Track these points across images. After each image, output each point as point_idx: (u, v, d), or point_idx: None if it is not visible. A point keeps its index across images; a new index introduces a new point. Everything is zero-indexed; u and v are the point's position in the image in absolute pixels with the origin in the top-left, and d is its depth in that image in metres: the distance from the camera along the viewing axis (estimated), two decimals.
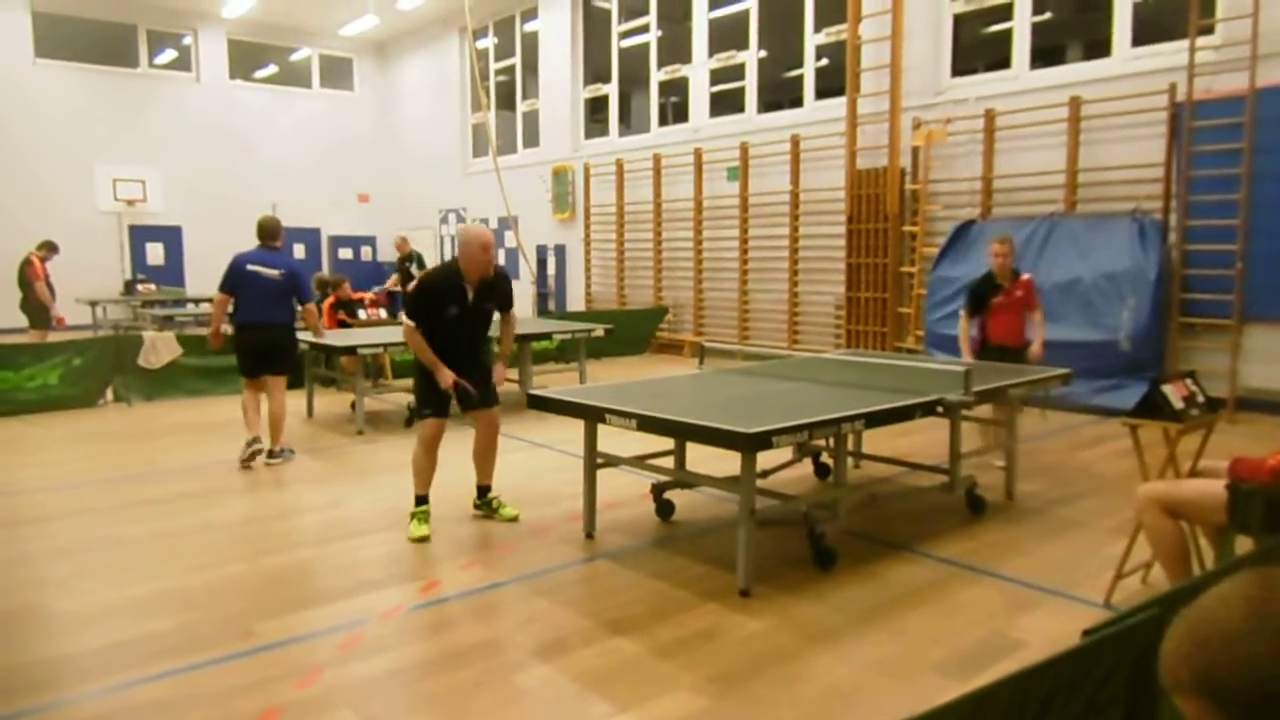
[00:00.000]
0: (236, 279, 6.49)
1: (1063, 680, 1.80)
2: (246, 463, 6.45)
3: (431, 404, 4.86)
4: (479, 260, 4.71)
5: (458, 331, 4.79)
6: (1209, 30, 8.10)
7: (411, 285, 4.88)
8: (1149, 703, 1.99)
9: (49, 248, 11.60)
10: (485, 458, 5.17)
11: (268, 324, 6.50)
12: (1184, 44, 8.11)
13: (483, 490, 5.22)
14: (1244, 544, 3.45)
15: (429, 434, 4.88)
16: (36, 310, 11.25)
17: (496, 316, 5.09)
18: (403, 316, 4.69)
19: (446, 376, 4.72)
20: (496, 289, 4.90)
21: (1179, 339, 8.29)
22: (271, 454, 6.59)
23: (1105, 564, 4.05)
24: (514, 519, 5.07)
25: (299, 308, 6.74)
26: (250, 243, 6.71)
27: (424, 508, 4.91)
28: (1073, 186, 9.00)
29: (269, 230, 6.70)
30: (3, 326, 14.45)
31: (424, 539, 4.75)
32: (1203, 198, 8.10)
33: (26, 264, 11.27)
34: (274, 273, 6.51)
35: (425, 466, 4.93)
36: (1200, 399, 4.00)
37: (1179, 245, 8.26)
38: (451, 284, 4.75)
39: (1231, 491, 3.45)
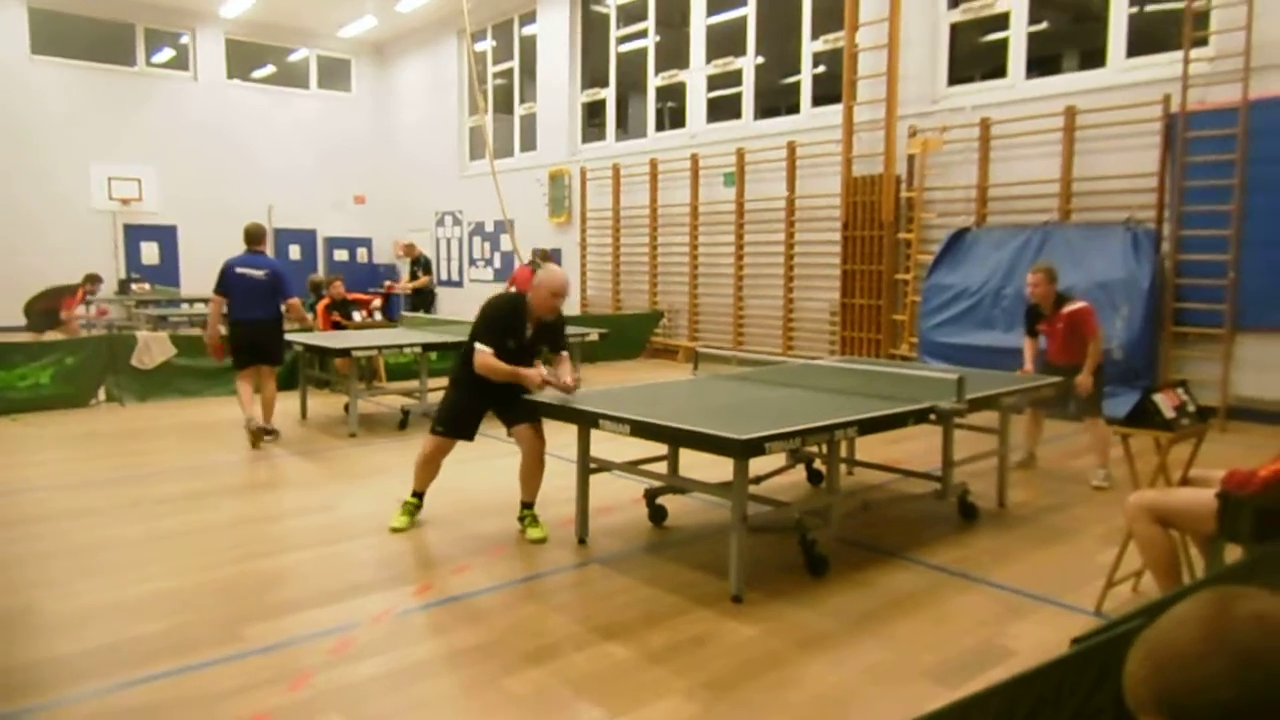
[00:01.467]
0: (228, 282, 7.20)
1: (1051, 688, 1.81)
2: (256, 443, 7.11)
3: (445, 422, 4.89)
4: (548, 305, 4.72)
5: (511, 361, 4.70)
6: (1203, 42, 8.15)
7: (478, 311, 4.84)
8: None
9: (95, 280, 11.94)
10: (529, 474, 4.95)
11: (256, 320, 7.24)
12: (1178, 55, 8.16)
13: (524, 505, 5.02)
14: (1234, 553, 3.47)
15: (430, 450, 4.95)
16: (40, 316, 11.37)
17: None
18: (477, 345, 4.64)
19: (535, 377, 4.67)
20: (552, 331, 4.90)
21: (1171, 348, 8.33)
22: (266, 431, 7.26)
23: (1096, 572, 4.06)
24: (539, 540, 4.78)
25: (284, 304, 7.38)
26: (242, 241, 7.40)
27: (414, 501, 5.04)
28: (1067, 196, 9.04)
29: (254, 236, 7.42)
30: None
31: (398, 530, 4.91)
32: (1196, 208, 8.14)
33: (69, 291, 11.62)
34: (259, 273, 7.21)
35: (425, 473, 5.04)
36: (1191, 408, 4.02)
37: (1172, 255, 8.30)
38: (515, 317, 4.75)
39: (1222, 501, 3.46)
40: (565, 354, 5.02)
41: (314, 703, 3.07)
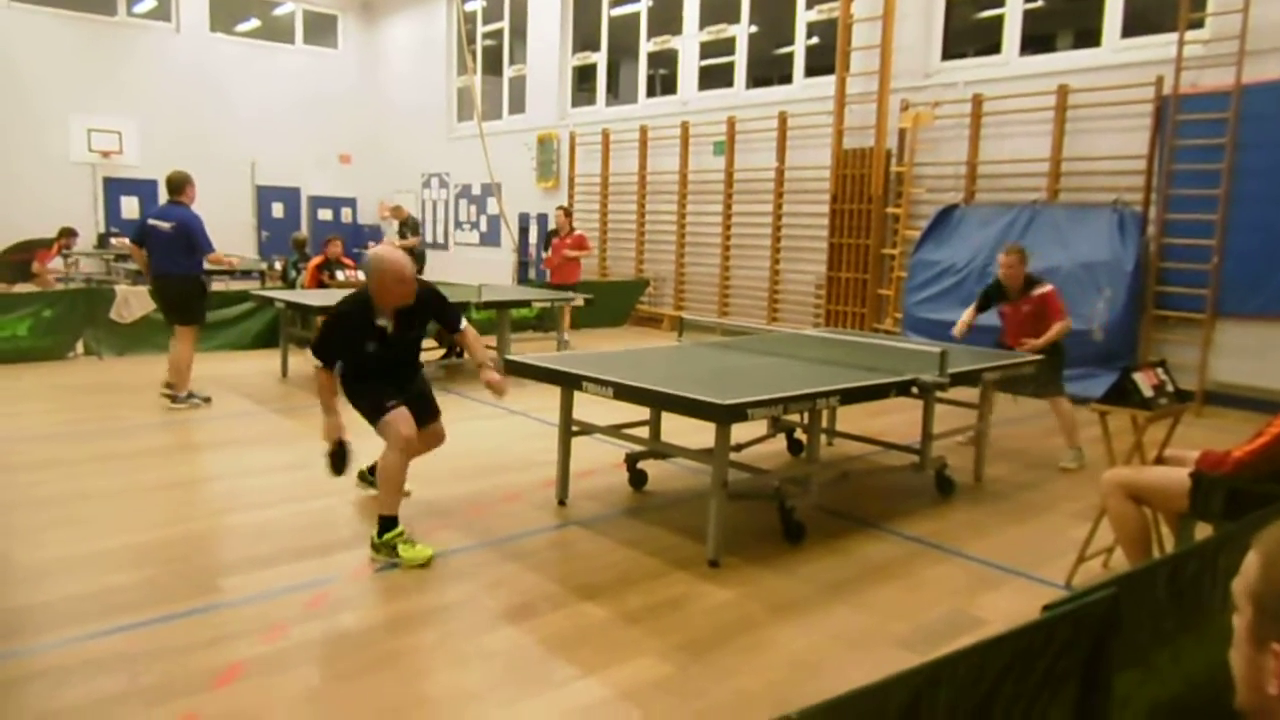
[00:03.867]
0: (142, 233, 6.98)
1: (1020, 653, 1.83)
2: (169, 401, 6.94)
3: (390, 394, 4.09)
4: (394, 294, 3.98)
5: (385, 362, 4.14)
6: (1198, 24, 8.12)
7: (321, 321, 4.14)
8: (1104, 679, 2.03)
9: (70, 235, 11.70)
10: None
11: (165, 275, 6.91)
12: (1173, 37, 8.13)
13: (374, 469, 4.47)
14: (1205, 531, 3.51)
15: (405, 427, 4.01)
16: (12, 268, 11.20)
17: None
18: (314, 357, 3.99)
19: (333, 431, 4.04)
20: (422, 313, 4.19)
21: (1152, 331, 8.39)
22: (174, 398, 6.95)
23: (1068, 547, 4.11)
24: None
25: (205, 259, 7.04)
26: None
27: (400, 529, 4.00)
28: (1056, 175, 9.04)
29: (173, 184, 7.04)
30: None
31: (433, 558, 3.92)
32: (1183, 192, 8.16)
33: (44, 244, 11.40)
34: (166, 226, 6.83)
35: (403, 473, 4.10)
36: (1170, 388, 4.05)
37: (1157, 238, 8.33)
38: (362, 320, 4.01)
39: (1195, 480, 3.50)
40: (467, 328, 4.35)
41: (288, 655, 3.07)
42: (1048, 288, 6.01)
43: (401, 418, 4.02)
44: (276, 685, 2.88)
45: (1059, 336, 5.89)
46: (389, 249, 4.10)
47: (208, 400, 7.05)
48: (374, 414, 4.05)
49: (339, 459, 4.07)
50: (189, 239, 6.80)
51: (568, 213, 11.22)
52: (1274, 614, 0.96)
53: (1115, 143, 8.63)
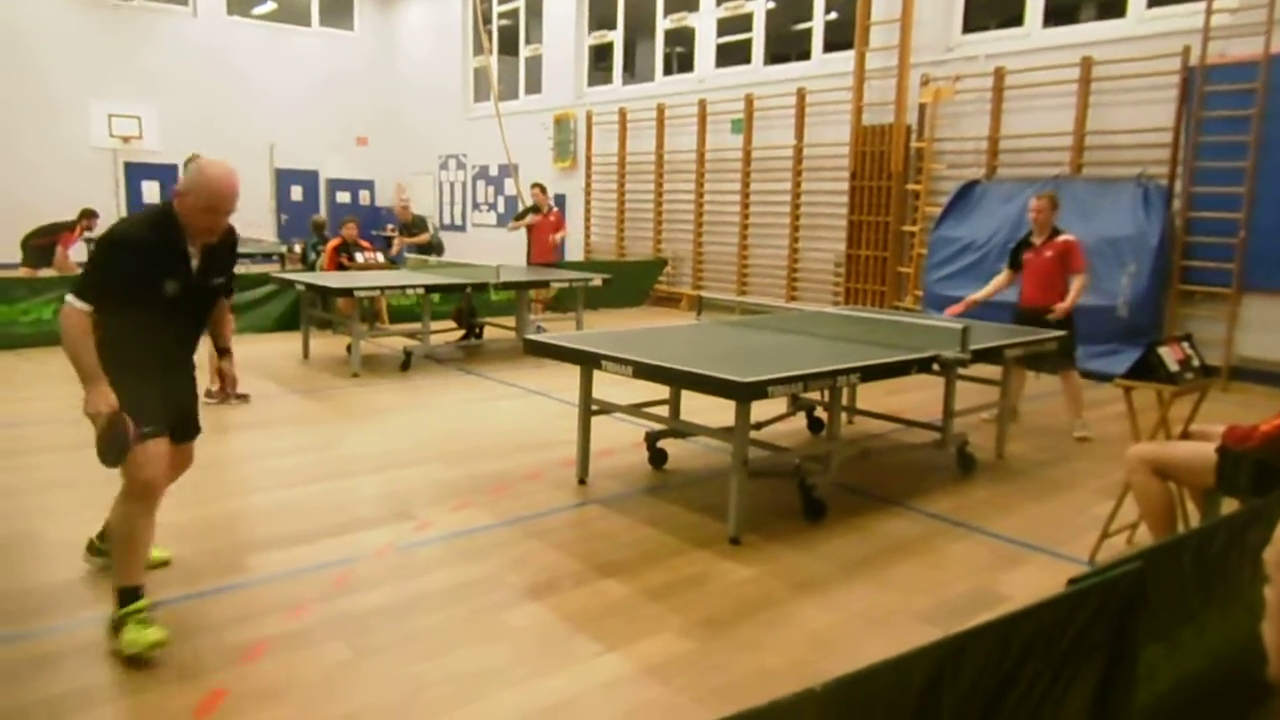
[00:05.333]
0: None
1: (1045, 627, 1.82)
2: None
3: (154, 403, 3.02)
4: (203, 223, 2.98)
5: (170, 321, 3.07)
6: None
7: (95, 240, 3.21)
8: (1130, 653, 2.02)
9: (91, 216, 11.73)
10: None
11: None
12: (1200, 6, 7.97)
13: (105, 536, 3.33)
14: (1231, 506, 3.48)
15: (154, 470, 3.01)
16: (36, 252, 11.28)
17: None
18: (68, 298, 2.84)
19: (102, 400, 2.85)
20: (223, 259, 3.20)
21: (1177, 306, 8.29)
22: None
23: (1092, 524, 4.09)
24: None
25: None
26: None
27: (143, 602, 2.97)
28: (1080, 149, 8.91)
29: None
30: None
31: (160, 644, 2.87)
32: (1210, 164, 8.02)
33: (67, 227, 11.42)
34: None
35: (147, 529, 3.07)
36: (1195, 363, 4.01)
37: (1183, 212, 8.21)
38: (168, 246, 2.97)
39: (1221, 455, 3.47)
40: (226, 302, 3.41)
41: (314, 631, 3.11)
42: (1072, 237, 6.06)
43: (156, 456, 3.00)
44: (303, 661, 2.92)
45: (1080, 294, 5.91)
46: (219, 166, 2.99)
47: (245, 398, 6.58)
48: (120, 436, 2.85)
49: (118, 440, 2.87)
50: None
51: (544, 189, 11.13)
52: None
53: (1140, 115, 8.49)
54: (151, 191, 17.26)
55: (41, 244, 11.38)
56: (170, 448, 3.14)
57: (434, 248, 12.03)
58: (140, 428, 2.92)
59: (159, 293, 2.96)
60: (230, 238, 3.21)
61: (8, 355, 8.09)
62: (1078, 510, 4.58)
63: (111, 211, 16.36)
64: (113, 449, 2.89)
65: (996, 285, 6.37)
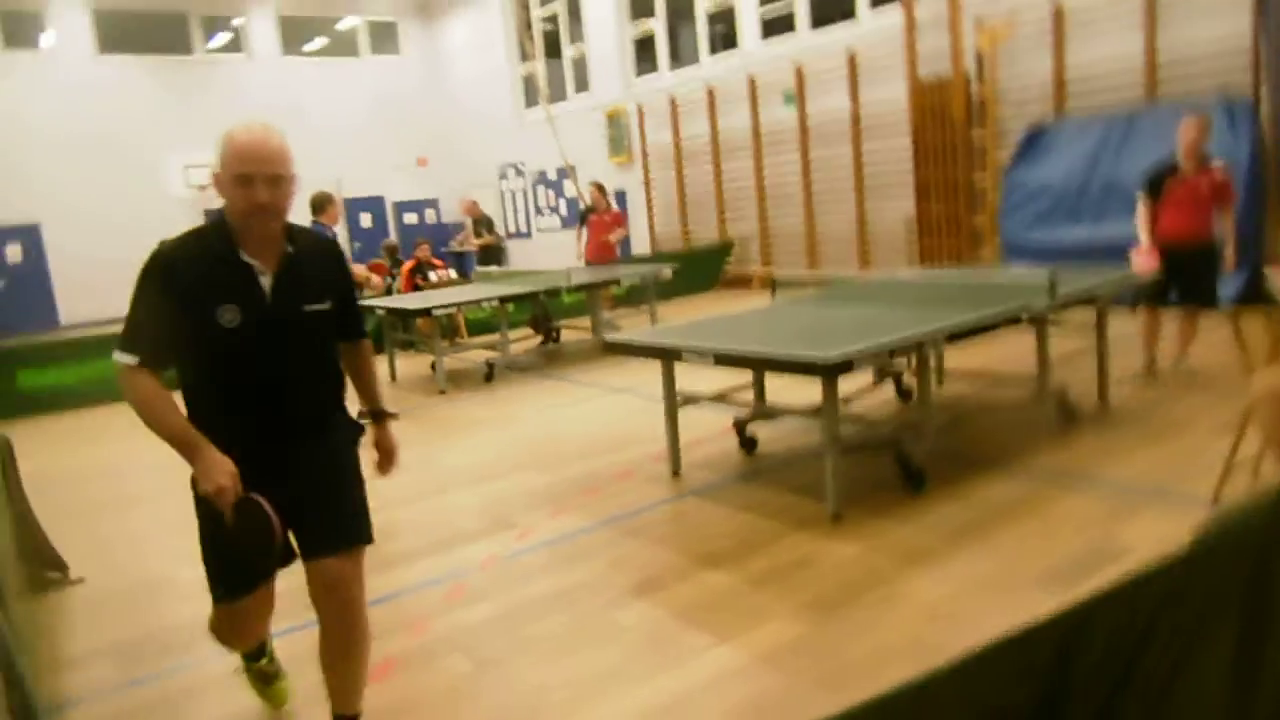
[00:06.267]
0: None
1: (1175, 583, 1.75)
2: None
3: (223, 575, 2.40)
4: (251, 190, 2.21)
5: (246, 368, 2.25)
6: None
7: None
8: (1272, 601, 1.92)
9: None
10: (337, 662, 2.47)
11: None
12: None
13: None
14: None
15: (236, 639, 2.61)
16: None
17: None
18: (115, 354, 2.25)
19: (215, 470, 2.18)
20: (319, 275, 2.37)
21: (1278, 226, 7.83)
22: None
23: (1212, 462, 3.89)
24: None
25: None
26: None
27: (260, 662, 2.82)
28: (1153, 74, 8.50)
29: (316, 204, 7.28)
30: (94, 318, 15.13)
31: (279, 699, 2.84)
32: None
33: None
34: None
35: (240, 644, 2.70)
36: None
37: (1272, 126, 7.74)
38: (215, 257, 2.25)
39: None
40: (364, 345, 2.62)
41: (436, 646, 3.20)
42: (1223, 165, 5.59)
43: (237, 620, 2.44)
44: (428, 676, 3.00)
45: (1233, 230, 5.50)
46: (256, 125, 2.33)
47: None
48: (255, 528, 2.21)
49: (255, 534, 2.20)
50: None
51: (602, 189, 11.05)
52: None
53: (1213, 29, 8.04)
54: None
55: None
56: (310, 564, 2.31)
57: (500, 251, 12.29)
58: (214, 589, 2.29)
59: (215, 326, 2.17)
60: (323, 247, 2.40)
61: (115, 408, 8.52)
62: (1194, 451, 4.38)
63: None
64: (252, 544, 2.19)
65: (1147, 218, 5.65)
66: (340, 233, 16.67)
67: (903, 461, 4.25)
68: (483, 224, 12.88)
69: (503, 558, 3.97)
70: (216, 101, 17.91)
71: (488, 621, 3.37)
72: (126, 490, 5.74)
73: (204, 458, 2.20)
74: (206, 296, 2.20)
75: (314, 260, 2.37)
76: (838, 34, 11.88)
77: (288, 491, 2.27)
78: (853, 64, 11.25)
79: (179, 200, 16.86)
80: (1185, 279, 5.48)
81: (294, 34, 19.04)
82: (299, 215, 7.16)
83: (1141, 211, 5.65)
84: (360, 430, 2.52)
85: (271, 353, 2.28)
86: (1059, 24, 9.11)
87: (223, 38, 18.52)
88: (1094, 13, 8.83)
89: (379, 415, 2.68)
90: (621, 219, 11.32)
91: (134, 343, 2.22)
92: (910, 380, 5.45)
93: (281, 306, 2.28)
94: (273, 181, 2.23)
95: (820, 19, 12.33)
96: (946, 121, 10.14)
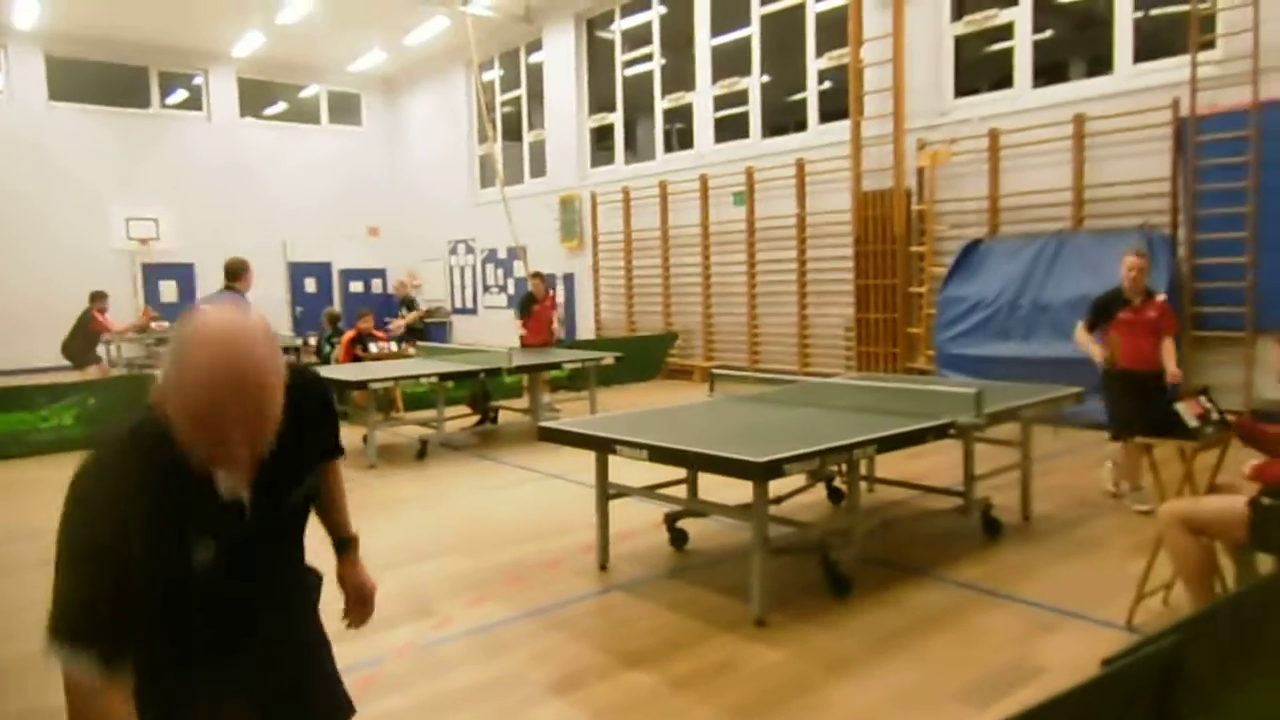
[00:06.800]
0: None
1: (1082, 711, 1.78)
2: None
3: None
4: (221, 431, 1.35)
5: (227, 604, 1.62)
6: (1210, 45, 8.12)
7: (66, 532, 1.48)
8: None
9: (101, 297, 12.07)
10: None
11: None
12: (1186, 59, 8.13)
13: None
14: (1266, 562, 3.41)
15: None
16: (82, 352, 11.66)
17: None
18: (56, 649, 1.41)
19: None
20: (305, 437, 1.66)
21: (1192, 353, 8.24)
22: None
23: (1126, 584, 4.00)
24: None
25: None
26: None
27: None
28: (1079, 203, 9.00)
29: (231, 271, 7.13)
30: (18, 367, 14.58)
31: None
32: (1210, 211, 8.08)
33: (90, 319, 11.80)
34: None
35: None
36: (1215, 415, 3.97)
37: (1188, 259, 8.23)
38: (169, 489, 1.44)
39: (1253, 508, 3.41)
40: (337, 463, 2.08)
41: None
42: (1164, 297, 5.80)
43: None
44: None
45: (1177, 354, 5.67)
46: (220, 309, 1.42)
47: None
48: None
49: None
50: None
51: (541, 276, 11.18)
52: None
53: (1137, 167, 8.58)
54: (168, 290, 17.61)
55: (84, 341, 11.77)
56: None
57: (421, 329, 12.43)
58: None
59: (184, 569, 1.49)
60: (308, 390, 1.70)
61: (29, 463, 8.15)
62: (1110, 570, 4.49)
63: (131, 311, 16.72)
64: None
65: (1087, 338, 5.88)
66: (282, 296, 16.41)
67: (829, 566, 4.27)
68: (404, 303, 13.00)
69: (420, 646, 3.85)
70: (169, 157, 17.82)
71: (400, 713, 3.24)
72: (14, 558, 5.45)
73: None
74: (170, 540, 1.46)
75: (293, 427, 1.52)
76: (789, 142, 12.37)
77: (259, 699, 1.70)
78: (801, 171, 11.69)
79: (116, 252, 16.55)
80: (1149, 407, 5.31)
81: (254, 97, 19.13)
82: (262, 277, 6.80)
83: (1082, 333, 5.85)
84: (319, 581, 2.00)
85: (256, 570, 1.65)
86: (994, 151, 9.64)
87: (180, 95, 18.51)
88: (1028, 144, 9.37)
89: (347, 544, 2.09)
90: (555, 305, 11.42)
91: (89, 630, 1.37)
92: (843, 483, 5.52)
93: (267, 507, 1.60)
94: (247, 415, 1.37)
95: (774, 127, 12.85)
96: (888, 233, 10.55)
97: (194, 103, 18.57)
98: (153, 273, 17.50)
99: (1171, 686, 1.96)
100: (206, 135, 18.38)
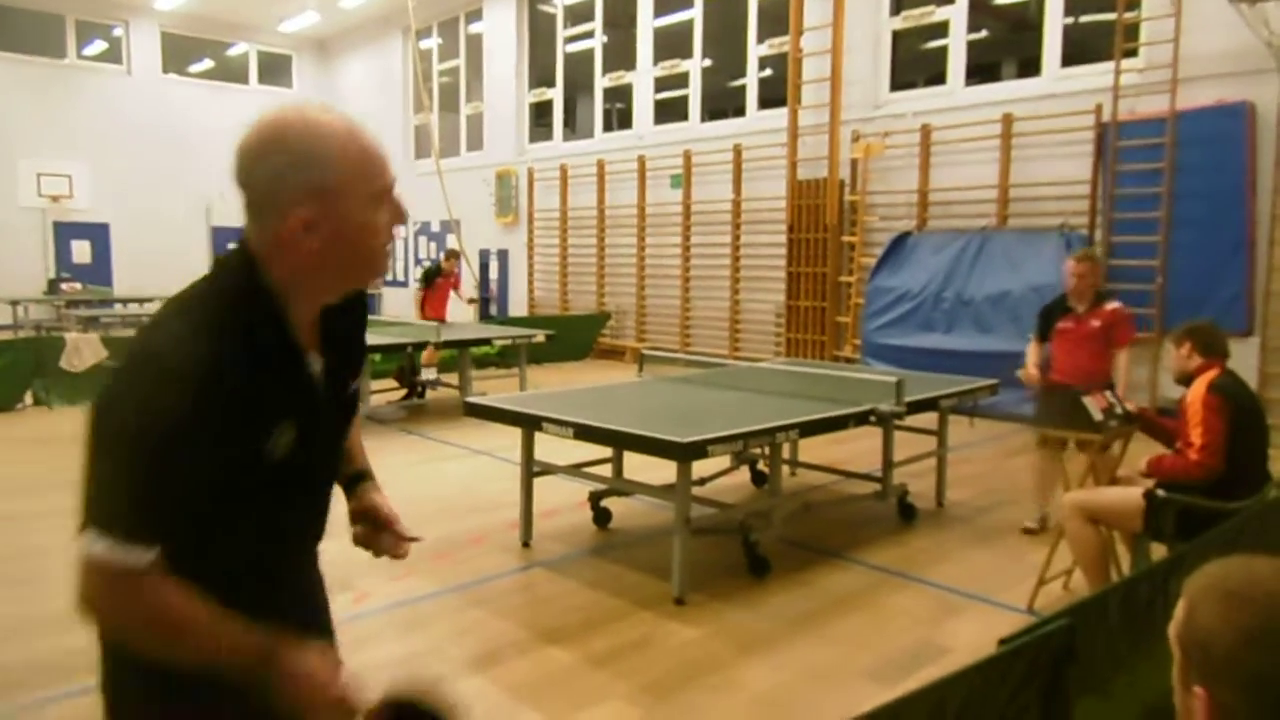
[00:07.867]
0: None
1: (979, 687, 1.86)
2: None
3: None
4: (378, 226, 1.39)
5: (291, 510, 1.50)
6: (1133, 53, 8.41)
7: (106, 419, 1.34)
8: (1063, 708, 2.06)
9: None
10: None
11: None
12: (1110, 66, 8.41)
13: None
14: (1159, 550, 3.60)
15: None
16: None
17: None
18: (92, 548, 1.20)
19: (326, 673, 1.34)
20: (352, 334, 1.53)
21: None
22: None
23: (1029, 570, 4.17)
24: None
25: None
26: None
27: None
28: (1004, 201, 9.26)
29: None
30: None
31: None
32: (1126, 215, 8.40)
33: None
34: None
35: None
36: (1118, 410, 4.15)
37: (1104, 260, 8.54)
38: (267, 358, 1.29)
39: (1148, 500, 3.59)
40: (355, 423, 1.70)
41: None
42: (1120, 304, 5.24)
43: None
44: None
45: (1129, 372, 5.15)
46: (297, 108, 1.42)
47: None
48: None
49: None
50: None
51: (457, 257, 10.89)
52: (1195, 659, 0.99)
53: (1060, 168, 8.86)
54: (81, 250, 16.86)
55: None
56: None
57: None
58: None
59: (262, 469, 1.32)
60: (360, 303, 1.56)
61: None
62: (1016, 557, 4.66)
63: (41, 272, 15.98)
64: None
65: (1033, 355, 5.35)
66: (204, 259, 15.93)
67: (749, 547, 4.34)
68: None
69: (338, 621, 3.78)
70: (85, 112, 16.98)
71: None
72: None
73: (298, 661, 1.30)
74: (260, 428, 1.30)
75: (345, 313, 1.47)
76: (728, 127, 12.43)
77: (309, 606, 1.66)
78: (738, 157, 11.76)
79: (25, 209, 15.77)
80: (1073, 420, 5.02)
81: (178, 52, 18.37)
82: (171, 244, 6.68)
83: (1031, 350, 5.38)
84: None
85: (318, 470, 1.53)
86: (926, 146, 9.84)
87: (99, 45, 17.67)
88: (958, 141, 9.59)
89: (369, 474, 1.82)
90: (459, 284, 11.05)
91: (147, 525, 1.21)
92: (766, 466, 5.61)
93: (333, 395, 1.47)
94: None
95: (713, 111, 12.89)
96: (820, 223, 10.70)
97: (114, 55, 17.73)
98: (66, 231, 16.73)
99: (1064, 665, 2.06)
100: (126, 90, 17.58)
